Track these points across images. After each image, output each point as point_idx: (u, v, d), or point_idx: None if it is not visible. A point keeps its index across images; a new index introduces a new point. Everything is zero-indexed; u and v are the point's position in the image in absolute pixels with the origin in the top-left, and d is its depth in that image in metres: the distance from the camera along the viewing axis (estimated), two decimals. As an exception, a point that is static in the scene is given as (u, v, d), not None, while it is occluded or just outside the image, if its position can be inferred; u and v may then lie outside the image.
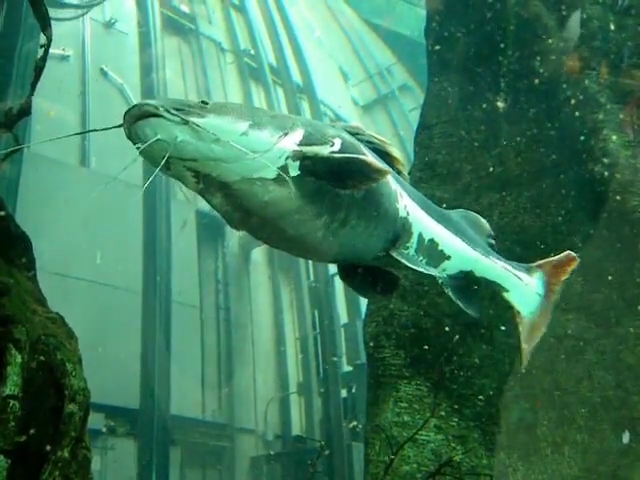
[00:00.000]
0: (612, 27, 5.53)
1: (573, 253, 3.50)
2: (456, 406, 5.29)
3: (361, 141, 2.85)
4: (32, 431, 2.99)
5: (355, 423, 11.60)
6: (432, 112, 6.03)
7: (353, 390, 12.23)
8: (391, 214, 2.89)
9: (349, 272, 3.11)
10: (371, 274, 3.10)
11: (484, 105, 5.72)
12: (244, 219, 2.65)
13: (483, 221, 3.52)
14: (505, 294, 3.41)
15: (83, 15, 12.38)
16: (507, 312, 5.13)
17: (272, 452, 12.77)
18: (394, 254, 2.95)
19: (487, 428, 5.29)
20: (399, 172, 3.03)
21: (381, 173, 2.61)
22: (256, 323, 13.88)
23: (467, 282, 3.27)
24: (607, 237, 5.06)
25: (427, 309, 5.43)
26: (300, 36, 16.88)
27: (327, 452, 11.14)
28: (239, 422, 12.78)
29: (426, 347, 5.36)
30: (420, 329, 5.42)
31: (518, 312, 3.44)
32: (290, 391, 13.67)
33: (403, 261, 2.96)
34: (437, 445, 5.14)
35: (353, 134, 2.84)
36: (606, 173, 5.07)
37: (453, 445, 5.17)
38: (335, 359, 12.49)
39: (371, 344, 5.48)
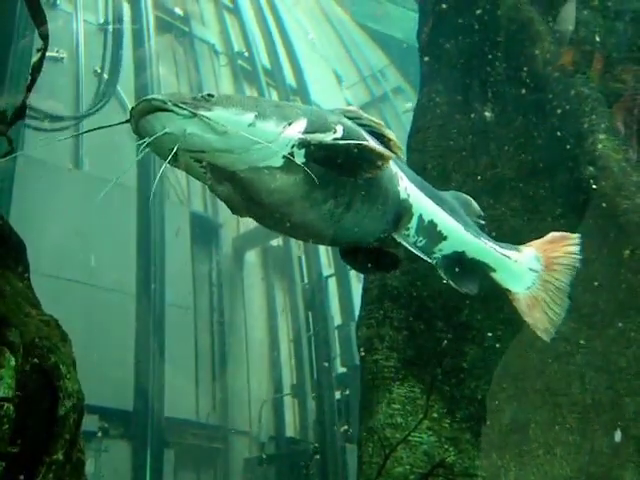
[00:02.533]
0: (602, 31, 5.58)
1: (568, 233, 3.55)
2: (448, 408, 5.31)
3: (360, 125, 2.90)
4: (26, 434, 3.01)
5: (346, 427, 11.60)
6: (422, 120, 6.08)
7: (347, 392, 12.22)
8: (393, 196, 2.97)
9: (350, 252, 3.19)
10: (372, 254, 3.17)
11: (472, 115, 5.77)
12: (250, 207, 2.71)
13: (474, 202, 3.57)
14: (492, 274, 3.44)
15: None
16: (497, 315, 5.21)
17: (266, 454, 12.75)
18: (396, 236, 3.02)
19: (479, 430, 5.32)
20: (396, 154, 3.09)
21: (385, 158, 2.69)
22: (250, 325, 13.87)
23: (459, 262, 3.30)
24: (596, 240, 5.09)
25: (419, 312, 5.46)
26: (294, 38, 16.89)
27: (320, 454, 11.15)
28: (233, 424, 12.77)
29: (418, 349, 5.39)
30: (412, 332, 5.44)
31: (508, 290, 3.46)
32: (284, 393, 13.67)
33: (403, 243, 3.03)
34: (430, 447, 5.16)
35: (352, 118, 2.89)
36: (595, 177, 5.11)
37: (446, 447, 5.20)
38: (328, 361, 12.48)
39: (364, 346, 5.50)
